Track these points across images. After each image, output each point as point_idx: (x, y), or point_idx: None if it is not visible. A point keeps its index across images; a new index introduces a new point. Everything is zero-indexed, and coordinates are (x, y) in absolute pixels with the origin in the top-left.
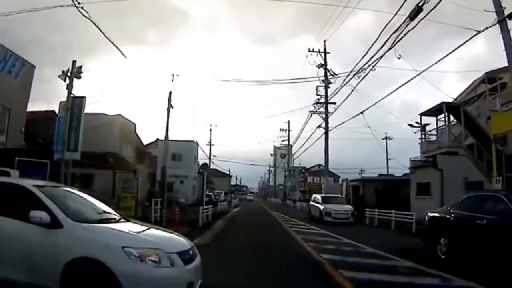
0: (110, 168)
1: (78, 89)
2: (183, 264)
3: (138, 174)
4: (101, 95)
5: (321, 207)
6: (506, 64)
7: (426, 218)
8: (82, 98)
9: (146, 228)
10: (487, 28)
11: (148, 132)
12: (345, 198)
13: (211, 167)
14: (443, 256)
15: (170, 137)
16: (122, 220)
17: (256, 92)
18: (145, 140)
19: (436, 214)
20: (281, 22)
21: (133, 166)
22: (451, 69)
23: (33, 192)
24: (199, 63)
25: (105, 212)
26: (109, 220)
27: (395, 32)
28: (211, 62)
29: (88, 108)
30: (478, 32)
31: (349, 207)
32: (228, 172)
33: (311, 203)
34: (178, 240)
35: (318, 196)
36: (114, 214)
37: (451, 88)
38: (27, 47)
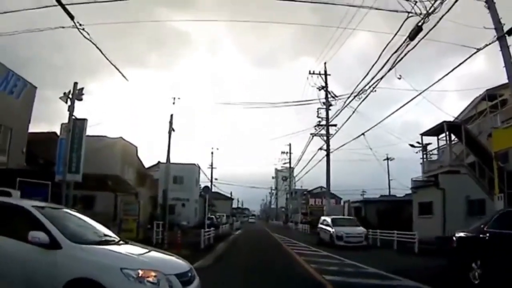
0: (111, 191)
1: (80, 111)
2: (181, 286)
3: (140, 197)
4: (103, 117)
5: (332, 230)
6: (506, 81)
7: (454, 238)
8: (84, 120)
9: (145, 250)
10: (487, 45)
11: (150, 155)
12: (356, 219)
13: (213, 190)
14: (476, 281)
15: (172, 160)
16: (121, 242)
17: (258, 115)
18: (147, 163)
19: (466, 234)
20: (282, 44)
21: (134, 188)
22: (451, 87)
23: (32, 213)
24: (200, 85)
25: (104, 234)
26: (108, 242)
27: (395, 52)
28: (212, 85)
29: (90, 130)
30: (478, 49)
31: (362, 229)
32: (229, 195)
33: (320, 226)
34: (176, 262)
35: (328, 219)
36: (113, 236)
37: (452, 107)
38: (29, 66)
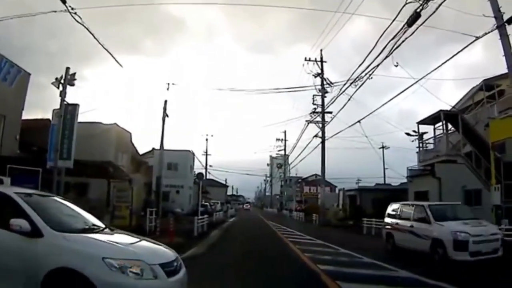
0: (104, 177)
1: (75, 97)
2: (166, 277)
3: (134, 183)
4: (98, 104)
5: (439, 230)
6: (504, 71)
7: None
8: (76, 106)
9: (130, 239)
10: (486, 33)
11: (145, 142)
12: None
13: (207, 177)
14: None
15: (166, 147)
16: (107, 230)
17: (253, 102)
18: (142, 150)
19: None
20: (278, 30)
21: (127, 175)
22: (448, 78)
23: (14, 200)
24: (196, 72)
25: (89, 222)
26: (92, 230)
27: (393, 39)
28: (208, 71)
29: (84, 117)
30: (477, 38)
31: (493, 228)
32: (224, 182)
33: (392, 221)
34: (162, 252)
35: (421, 206)
36: (99, 225)
37: (449, 97)
38: (24, 54)
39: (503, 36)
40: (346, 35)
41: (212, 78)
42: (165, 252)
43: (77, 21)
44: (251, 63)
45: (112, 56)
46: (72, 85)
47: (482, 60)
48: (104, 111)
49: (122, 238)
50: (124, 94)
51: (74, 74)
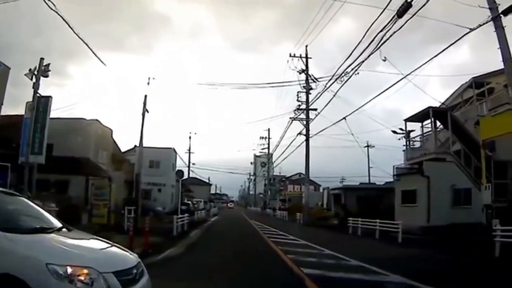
0: (82, 174)
1: (62, 96)
2: (120, 287)
3: (115, 181)
4: (83, 101)
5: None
6: (494, 69)
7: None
8: (48, 98)
9: (84, 239)
10: (480, 25)
11: (129, 140)
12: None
13: (191, 175)
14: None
15: (149, 145)
16: (64, 230)
17: (237, 100)
18: (126, 148)
19: None
20: (264, 29)
21: (106, 172)
22: (436, 78)
23: None
24: (181, 70)
25: (44, 221)
26: (44, 231)
27: (381, 31)
28: (193, 70)
29: (71, 114)
30: (471, 29)
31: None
32: (207, 181)
33: None
34: (119, 257)
35: None
36: (56, 224)
37: (436, 96)
38: (7, 49)
39: (498, 28)
40: (332, 34)
41: (197, 76)
42: (123, 258)
43: (52, 9)
44: (237, 60)
45: (95, 54)
46: (46, 76)
47: (469, 60)
48: (89, 108)
49: (75, 240)
50: (109, 92)
51: (48, 65)
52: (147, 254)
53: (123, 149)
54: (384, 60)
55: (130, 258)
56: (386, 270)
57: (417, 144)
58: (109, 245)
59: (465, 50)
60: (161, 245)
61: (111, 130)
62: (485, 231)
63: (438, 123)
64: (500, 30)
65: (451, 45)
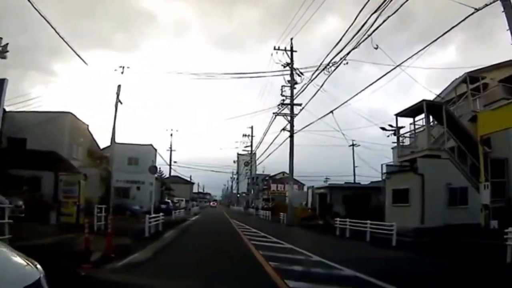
0: (50, 170)
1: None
2: None
3: (90, 178)
4: (66, 98)
5: None
6: (488, 64)
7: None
8: (3, 80)
9: None
10: (487, 5)
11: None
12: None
13: (172, 173)
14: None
15: (128, 142)
16: None
17: (220, 96)
18: (105, 144)
19: None
20: (248, 27)
21: (76, 168)
22: (428, 67)
23: None
24: (164, 68)
25: None
26: None
27: (375, 12)
28: (176, 67)
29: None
30: (477, 9)
31: None
32: (189, 179)
33: None
34: (10, 271)
35: None
36: None
37: (426, 95)
38: None
39: (507, 7)
40: (318, 30)
41: (181, 74)
42: (16, 272)
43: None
44: (221, 58)
45: (77, 54)
46: (4, 58)
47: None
48: (72, 107)
49: None
50: (91, 89)
51: (6, 45)
52: (108, 259)
53: (103, 145)
54: (376, 48)
55: (28, 272)
56: (390, 284)
57: (408, 141)
58: (7, 253)
59: (452, 51)
60: (128, 248)
61: (87, 125)
62: (484, 232)
63: (431, 119)
64: (508, 10)
65: (454, 27)
